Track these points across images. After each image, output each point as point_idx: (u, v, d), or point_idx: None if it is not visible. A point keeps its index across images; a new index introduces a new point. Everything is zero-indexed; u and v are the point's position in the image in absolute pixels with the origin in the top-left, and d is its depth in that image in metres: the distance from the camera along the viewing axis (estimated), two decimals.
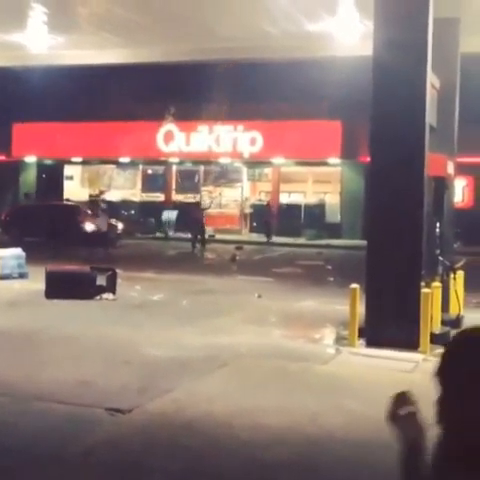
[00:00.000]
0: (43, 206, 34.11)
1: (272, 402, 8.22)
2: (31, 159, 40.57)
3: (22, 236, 28.88)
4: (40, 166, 41.58)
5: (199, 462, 6.64)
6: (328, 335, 12.70)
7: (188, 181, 39.93)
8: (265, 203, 37.24)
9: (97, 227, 29.09)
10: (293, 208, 37.20)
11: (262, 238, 34.76)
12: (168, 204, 39.07)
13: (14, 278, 18.45)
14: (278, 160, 36.59)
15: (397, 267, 11.48)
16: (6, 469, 6.39)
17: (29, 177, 41.78)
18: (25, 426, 7.44)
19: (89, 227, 30.28)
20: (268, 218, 35.39)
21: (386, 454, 6.78)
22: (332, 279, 19.90)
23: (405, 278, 11.47)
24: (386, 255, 11.61)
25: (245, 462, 6.67)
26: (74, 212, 31.80)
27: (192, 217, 32.24)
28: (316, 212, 36.77)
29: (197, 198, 37.99)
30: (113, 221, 31.69)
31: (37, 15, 16.11)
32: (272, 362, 10.31)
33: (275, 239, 34.42)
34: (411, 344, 11.07)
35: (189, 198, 39.08)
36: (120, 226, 32.05)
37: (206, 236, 32.37)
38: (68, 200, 37.49)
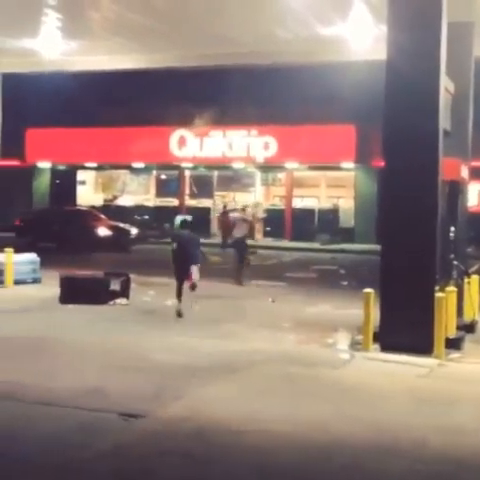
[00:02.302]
0: (57, 211, 34.23)
1: (284, 408, 8.17)
2: (45, 164, 40.69)
3: (36, 241, 28.97)
4: (53, 171, 41.69)
5: (210, 468, 6.60)
6: (342, 340, 12.62)
7: (201, 186, 39.94)
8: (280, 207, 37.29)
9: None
10: (306, 213, 37.12)
11: (276, 243, 34.73)
12: (181, 209, 39.08)
13: (28, 283, 18.49)
14: (291, 164, 36.54)
15: (411, 272, 11.41)
16: (17, 475, 6.38)
17: (42, 182, 41.89)
18: (37, 431, 7.43)
19: (102, 232, 30.32)
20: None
21: (399, 462, 6.75)
22: (346, 284, 19.83)
23: (419, 282, 11.40)
24: (400, 260, 11.55)
25: (255, 469, 6.63)
26: (87, 217, 31.86)
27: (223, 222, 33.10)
28: (330, 217, 36.68)
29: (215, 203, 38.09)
30: (127, 226, 31.77)
31: (51, 21, 16.14)
32: (285, 367, 10.25)
33: (288, 244, 34.38)
34: (426, 349, 11.00)
35: (203, 203, 39.15)
36: (134, 231, 31.97)
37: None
38: (80, 205, 37.69)
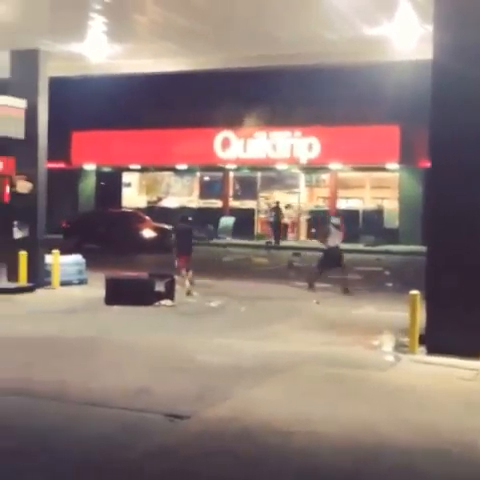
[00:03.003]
0: (103, 213, 34.57)
1: (330, 410, 8.14)
2: (90, 167, 41.12)
3: (82, 243, 29.28)
4: (99, 174, 42.11)
5: (255, 470, 6.60)
6: (387, 342, 12.53)
7: (245, 187, 40.00)
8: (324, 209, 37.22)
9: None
10: (351, 214, 36.97)
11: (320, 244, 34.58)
12: (225, 210, 39.20)
13: (74, 284, 18.71)
14: (335, 166, 36.42)
15: (459, 273, 11.28)
16: (62, 475, 6.45)
17: (88, 185, 42.35)
18: (81, 431, 7.49)
19: (147, 234, 30.38)
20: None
21: (449, 464, 6.68)
22: (391, 285, 19.69)
23: (468, 284, 11.27)
24: (448, 261, 11.43)
25: (300, 470, 6.61)
26: (133, 219, 32.03)
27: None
28: (374, 218, 36.48)
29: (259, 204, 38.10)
30: (169, 227, 31.85)
31: (96, 25, 16.29)
32: (329, 369, 10.21)
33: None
34: (473, 352, 10.87)
35: (246, 204, 39.25)
36: None
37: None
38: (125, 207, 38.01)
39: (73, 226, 32.53)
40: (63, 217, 34.33)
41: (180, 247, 18.12)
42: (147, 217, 32.83)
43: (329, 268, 18.77)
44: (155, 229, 31.02)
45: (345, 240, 33.70)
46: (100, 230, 30.58)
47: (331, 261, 18.60)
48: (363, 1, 14.21)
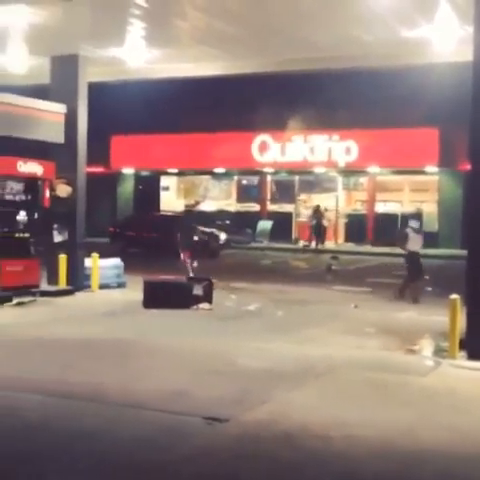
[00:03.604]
0: (148, 216, 34.56)
1: (368, 414, 8.10)
2: (129, 171, 41.39)
3: (127, 247, 29.40)
4: (137, 177, 42.37)
5: (293, 474, 6.59)
6: (427, 347, 12.43)
7: (283, 191, 39.97)
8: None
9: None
10: (389, 217, 36.72)
11: (358, 248, 34.50)
12: (263, 214, 39.20)
13: (112, 287, 18.84)
14: (373, 169, 36.24)
15: None
16: (102, 475, 6.49)
17: (127, 188, 42.63)
18: (120, 433, 7.54)
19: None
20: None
21: None
22: (430, 289, 19.52)
23: None
24: None
25: (340, 475, 6.58)
26: (177, 223, 31.76)
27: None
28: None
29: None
30: (216, 231, 31.75)
31: (135, 30, 16.41)
32: (368, 373, 10.16)
33: (371, 249, 34.09)
34: None
35: (284, 208, 39.24)
36: (223, 236, 31.91)
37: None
38: (164, 211, 38.09)
39: (119, 230, 32.65)
40: (102, 221, 34.63)
41: (183, 242, 19.57)
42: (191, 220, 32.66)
43: (418, 275, 17.64)
44: (200, 233, 30.72)
45: (383, 244, 33.73)
46: (145, 234, 30.57)
47: (415, 267, 17.48)
48: (402, 3, 14.12)
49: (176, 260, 24.22)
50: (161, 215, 35.82)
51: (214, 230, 31.90)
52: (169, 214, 35.91)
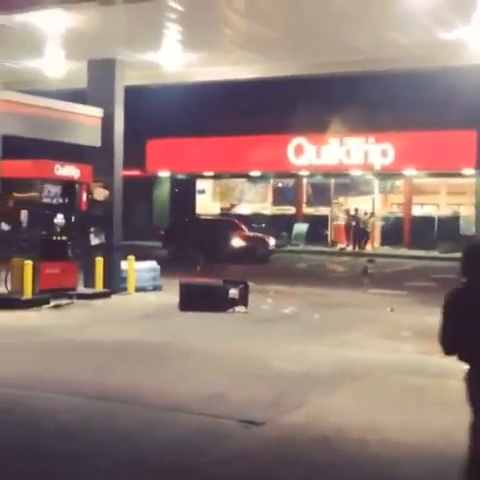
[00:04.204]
0: (198, 220, 34.25)
1: (404, 418, 8.03)
2: (165, 174, 41.58)
3: (179, 252, 29.39)
4: (173, 180, 42.54)
5: (330, 477, 6.56)
6: None
7: (319, 194, 39.88)
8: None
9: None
10: (426, 220, 36.47)
11: (394, 251, 34.29)
12: (299, 217, 39.14)
13: (148, 290, 18.93)
14: (410, 171, 36.00)
15: None
16: (138, 476, 6.52)
17: (162, 191, 42.84)
18: (157, 435, 7.56)
19: (237, 243, 29.57)
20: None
21: None
22: None
23: None
24: None
25: (376, 478, 6.55)
26: (226, 227, 31.00)
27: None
28: (450, 224, 35.89)
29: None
30: (265, 236, 30.88)
31: (172, 34, 16.49)
32: (405, 377, 10.09)
33: (407, 252, 33.88)
34: None
35: (320, 211, 39.15)
36: (272, 241, 30.83)
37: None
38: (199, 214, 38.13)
39: (170, 234, 32.32)
40: (138, 224, 34.78)
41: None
42: (243, 225, 31.74)
43: None
44: (247, 238, 30.04)
45: (420, 247, 33.49)
46: (194, 238, 29.88)
47: None
48: (439, 5, 14.03)
49: (222, 264, 24.08)
50: (213, 219, 35.34)
51: (263, 235, 30.98)
52: (221, 218, 35.36)
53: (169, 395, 9.02)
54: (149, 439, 7.45)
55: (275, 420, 8.03)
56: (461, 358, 5.36)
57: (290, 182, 40.43)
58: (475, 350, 5.26)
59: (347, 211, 37.84)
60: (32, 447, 7.20)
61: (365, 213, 36.60)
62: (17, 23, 15.41)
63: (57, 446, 7.21)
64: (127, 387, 9.35)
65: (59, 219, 17.16)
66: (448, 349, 5.45)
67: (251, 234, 30.77)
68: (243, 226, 31.53)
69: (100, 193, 18.67)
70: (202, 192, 42.72)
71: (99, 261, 17.93)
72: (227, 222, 32.66)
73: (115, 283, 18.39)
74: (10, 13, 14.84)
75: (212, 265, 24.40)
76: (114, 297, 17.83)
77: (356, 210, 36.52)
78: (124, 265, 18.68)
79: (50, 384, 9.43)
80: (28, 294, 15.94)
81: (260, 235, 30.81)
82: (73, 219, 17.50)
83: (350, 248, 35.64)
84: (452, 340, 5.42)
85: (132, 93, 19.97)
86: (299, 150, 37.34)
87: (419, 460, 6.93)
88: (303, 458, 6.95)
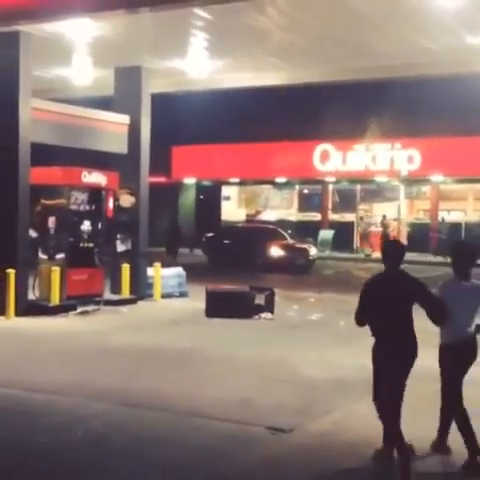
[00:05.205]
0: (240, 228, 33.65)
1: (428, 426, 7.94)
2: (190, 180, 41.66)
3: (218, 259, 29.29)
4: (198, 187, 42.61)
5: None
6: None
7: (344, 200, 39.76)
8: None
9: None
10: (453, 226, 36.21)
11: (420, 257, 34.07)
12: (324, 223, 39.04)
13: (175, 297, 18.96)
14: (437, 177, 35.79)
15: None
16: None
17: (188, 198, 42.91)
18: (183, 441, 7.58)
19: (275, 252, 28.62)
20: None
21: None
22: None
23: None
24: None
25: None
26: (266, 235, 29.98)
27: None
28: (477, 230, 35.60)
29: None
30: (306, 245, 29.90)
31: (198, 42, 16.53)
32: (430, 385, 9.98)
33: (433, 258, 33.64)
34: None
35: (346, 217, 39.03)
36: (313, 251, 29.64)
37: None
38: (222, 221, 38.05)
39: (212, 241, 31.65)
40: (164, 231, 34.83)
41: None
42: (284, 233, 30.90)
43: None
44: (286, 247, 29.00)
45: (445, 253, 33.20)
46: (232, 247, 29.47)
47: None
48: (467, 9, 13.94)
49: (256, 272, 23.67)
50: (253, 226, 34.49)
51: (304, 244, 29.96)
52: (262, 226, 34.14)
53: (196, 401, 9.03)
54: (175, 445, 7.46)
55: (303, 427, 8.01)
56: (372, 331, 7.10)
57: (316, 188, 40.32)
58: (378, 324, 6.97)
59: (371, 217, 37.75)
60: (60, 452, 7.24)
61: (383, 217, 36.53)
62: (46, 32, 15.55)
63: (84, 452, 7.24)
64: (154, 393, 9.38)
65: (86, 226, 17.26)
66: (359, 322, 7.20)
67: (291, 243, 29.91)
68: (284, 234, 30.77)
69: (127, 200, 18.76)
70: (227, 199, 42.75)
71: (125, 267, 18.01)
72: (268, 230, 31.54)
73: (141, 289, 18.46)
74: (39, 22, 14.97)
75: (249, 274, 24.03)
76: (140, 303, 17.89)
77: (384, 216, 36.38)
78: (150, 271, 18.74)
79: (77, 390, 9.48)
80: (55, 300, 16.04)
81: (301, 244, 29.94)
82: (100, 226, 17.59)
83: (375, 254, 35.46)
84: (363, 315, 7.11)
85: (158, 100, 20.05)
86: (325, 156, 37.26)
87: (440, 470, 6.88)
88: (329, 466, 6.93)
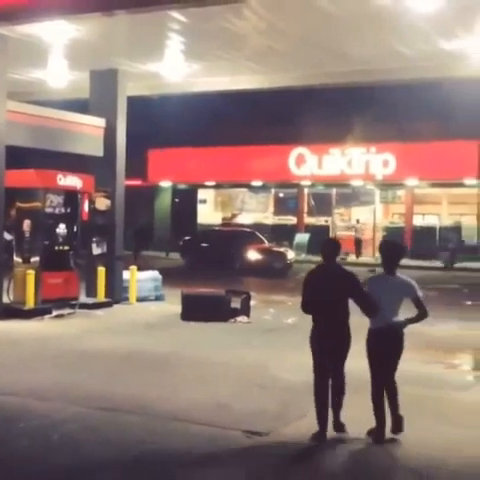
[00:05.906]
0: (218, 232, 33.63)
1: (412, 430, 8.00)
2: (166, 184, 41.60)
3: (195, 262, 29.13)
4: (174, 190, 42.56)
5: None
6: (467, 361, 12.30)
7: (320, 204, 39.89)
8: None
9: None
10: (427, 230, 36.45)
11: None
12: (300, 227, 39.14)
13: (150, 300, 18.91)
14: (411, 182, 36.01)
15: None
16: None
17: (164, 201, 42.85)
18: (162, 445, 7.58)
19: (252, 256, 28.66)
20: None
21: None
22: (470, 303, 19.34)
23: None
24: None
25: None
26: (244, 238, 30.12)
27: None
28: (452, 234, 35.85)
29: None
30: (283, 249, 30.05)
31: (175, 45, 16.52)
32: (408, 388, 10.04)
33: (408, 262, 33.81)
34: None
35: (321, 221, 39.17)
36: (291, 254, 29.72)
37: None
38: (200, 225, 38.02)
39: (187, 245, 31.77)
40: (136, 233, 34.68)
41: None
42: (262, 237, 31.08)
43: None
44: (264, 251, 29.07)
45: (420, 257, 33.44)
46: (210, 249, 29.49)
47: None
48: (441, 16, 14.04)
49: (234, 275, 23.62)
50: (231, 230, 34.28)
51: (281, 248, 30.17)
52: (240, 229, 34.05)
53: (171, 405, 9.03)
54: (153, 447, 7.45)
55: (279, 431, 8.03)
56: (313, 318, 8.18)
57: (292, 192, 40.41)
58: (317, 310, 8.06)
59: (346, 221, 37.93)
60: (39, 457, 7.20)
61: (357, 221, 36.78)
62: (22, 34, 15.46)
63: (63, 456, 7.21)
64: (131, 397, 9.36)
65: (61, 229, 17.18)
66: (304, 309, 8.13)
67: (269, 247, 30.04)
68: (262, 237, 30.86)
69: (102, 203, 18.70)
70: (203, 202, 42.74)
71: (101, 271, 17.95)
72: (246, 234, 31.64)
73: (117, 293, 18.40)
74: (15, 24, 14.89)
75: (226, 278, 23.98)
76: (116, 307, 17.83)
77: (357, 221, 36.59)
78: (126, 275, 18.68)
79: (55, 394, 9.44)
80: (30, 304, 15.95)
81: (279, 248, 30.09)
82: (75, 229, 17.52)
83: (351, 258, 35.57)
84: (306, 303, 8.04)
85: (134, 103, 20.01)
86: (300, 160, 37.37)
87: (430, 474, 6.93)
88: (306, 469, 6.95)
